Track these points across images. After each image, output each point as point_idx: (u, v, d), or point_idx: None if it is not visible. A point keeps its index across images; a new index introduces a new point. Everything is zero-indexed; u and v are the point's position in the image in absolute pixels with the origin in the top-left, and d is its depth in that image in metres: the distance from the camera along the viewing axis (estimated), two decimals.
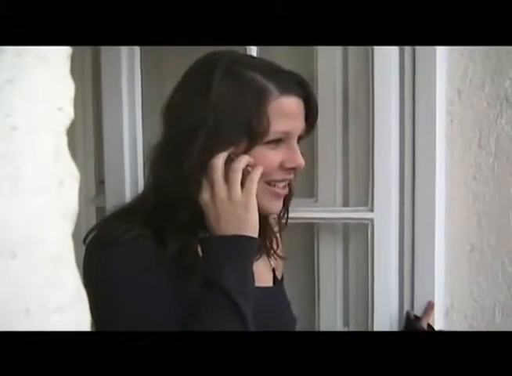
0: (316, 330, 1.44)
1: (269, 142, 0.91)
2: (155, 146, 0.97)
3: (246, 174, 0.89)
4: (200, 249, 0.92)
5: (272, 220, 1.11)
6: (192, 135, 0.88)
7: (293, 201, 1.45)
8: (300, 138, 0.97)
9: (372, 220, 1.30)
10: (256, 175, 0.89)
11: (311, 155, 1.46)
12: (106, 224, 0.94)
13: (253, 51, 1.32)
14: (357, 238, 1.43)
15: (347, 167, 1.45)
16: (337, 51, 1.42)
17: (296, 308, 1.17)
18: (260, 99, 0.88)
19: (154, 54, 1.47)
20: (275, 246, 1.12)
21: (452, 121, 1.29)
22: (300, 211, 1.40)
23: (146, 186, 1.02)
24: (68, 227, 0.39)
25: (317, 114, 0.99)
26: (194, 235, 0.93)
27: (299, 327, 1.16)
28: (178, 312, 0.84)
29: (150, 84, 1.50)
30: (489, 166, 1.27)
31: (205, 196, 0.89)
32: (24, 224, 0.37)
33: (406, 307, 1.31)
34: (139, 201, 0.99)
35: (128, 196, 1.42)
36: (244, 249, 0.87)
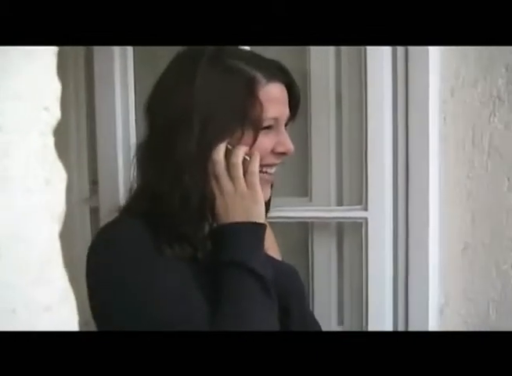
0: None
1: (262, 129, 0.94)
2: (141, 144, 0.97)
3: (245, 163, 0.93)
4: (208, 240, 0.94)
5: None
6: (182, 126, 0.89)
7: (288, 200, 1.46)
8: (285, 125, 1.00)
9: (366, 219, 1.30)
10: (255, 166, 0.93)
11: (305, 155, 1.46)
12: (105, 230, 0.93)
13: None
14: (351, 237, 1.43)
15: (340, 166, 1.45)
16: (329, 51, 1.42)
17: None
18: (251, 87, 0.91)
19: (148, 53, 1.47)
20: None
21: (445, 119, 1.29)
22: (294, 211, 1.40)
23: (137, 187, 1.00)
24: (55, 227, 0.39)
25: (299, 100, 1.03)
26: (198, 228, 0.94)
27: None
28: (201, 306, 0.85)
29: (144, 84, 1.50)
30: (483, 164, 1.27)
31: (212, 188, 0.92)
32: (11, 224, 0.37)
33: (400, 305, 1.32)
34: (133, 202, 0.98)
35: (122, 196, 1.42)
36: (259, 234, 0.92)
